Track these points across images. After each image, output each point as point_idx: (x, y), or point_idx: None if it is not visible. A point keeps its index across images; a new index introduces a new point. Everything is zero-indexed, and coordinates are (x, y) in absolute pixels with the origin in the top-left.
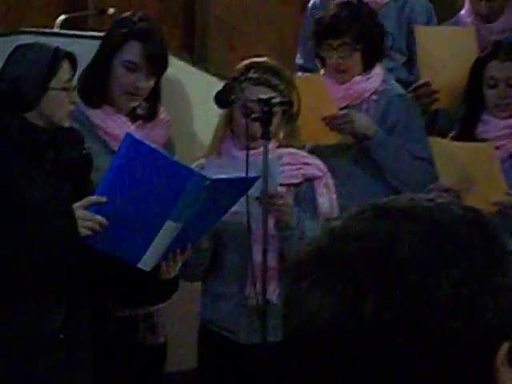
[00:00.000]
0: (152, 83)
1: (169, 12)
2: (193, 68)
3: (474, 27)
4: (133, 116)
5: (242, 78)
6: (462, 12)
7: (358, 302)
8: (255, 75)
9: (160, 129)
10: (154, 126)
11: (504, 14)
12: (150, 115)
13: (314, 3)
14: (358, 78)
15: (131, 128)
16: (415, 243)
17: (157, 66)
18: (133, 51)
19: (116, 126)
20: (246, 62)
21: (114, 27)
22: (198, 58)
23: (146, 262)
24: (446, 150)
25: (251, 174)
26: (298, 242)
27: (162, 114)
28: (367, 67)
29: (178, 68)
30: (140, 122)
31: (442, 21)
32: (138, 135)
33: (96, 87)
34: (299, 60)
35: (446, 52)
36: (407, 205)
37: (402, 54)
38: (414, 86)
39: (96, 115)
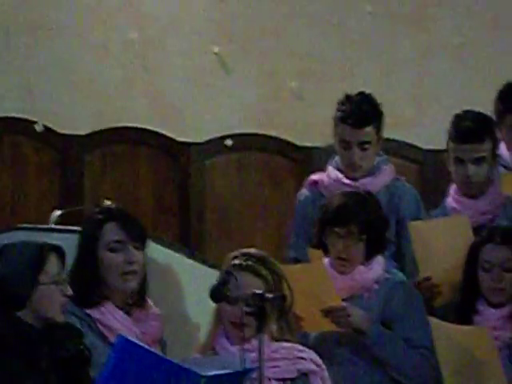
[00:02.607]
0: (141, 256)
1: (164, 203)
2: (189, 260)
3: (466, 214)
4: (127, 309)
5: (231, 266)
6: (449, 197)
7: None
8: (242, 262)
9: (154, 323)
10: (148, 320)
11: (488, 193)
12: (140, 300)
13: (306, 197)
14: (361, 268)
15: (129, 321)
16: None
17: (138, 239)
18: (112, 231)
19: (115, 320)
20: (234, 252)
21: (89, 218)
22: (194, 249)
23: None
24: (443, 331)
25: (247, 366)
26: None
27: (154, 309)
28: (369, 257)
29: (174, 260)
30: (134, 312)
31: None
32: (135, 329)
33: (89, 287)
34: (291, 253)
35: (442, 244)
36: None
37: (390, 244)
38: (415, 281)
39: (95, 310)
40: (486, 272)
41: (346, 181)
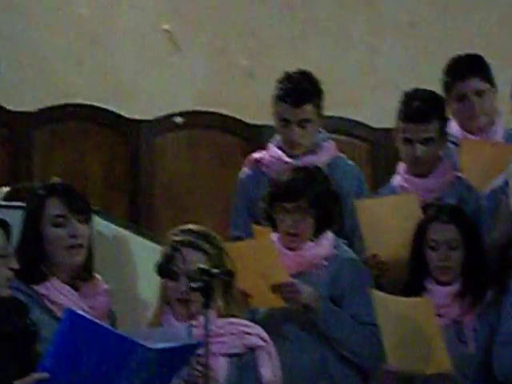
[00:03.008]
0: (86, 229)
1: (114, 180)
2: (138, 236)
3: (414, 191)
4: (75, 284)
5: (173, 242)
6: (397, 175)
7: None
8: (184, 238)
9: (102, 298)
10: (96, 295)
11: (436, 171)
12: (87, 275)
13: (247, 176)
14: (310, 244)
15: (76, 296)
16: None
17: (81, 213)
18: (55, 206)
19: (61, 295)
20: (175, 229)
21: (32, 194)
22: (143, 227)
23: None
24: (385, 303)
25: (194, 341)
26: None
27: (102, 284)
28: (318, 232)
29: (122, 236)
30: (82, 287)
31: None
32: (82, 304)
33: (34, 263)
34: (233, 232)
35: (390, 222)
36: None
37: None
38: (362, 259)
39: (41, 286)
40: (433, 250)
41: (287, 159)
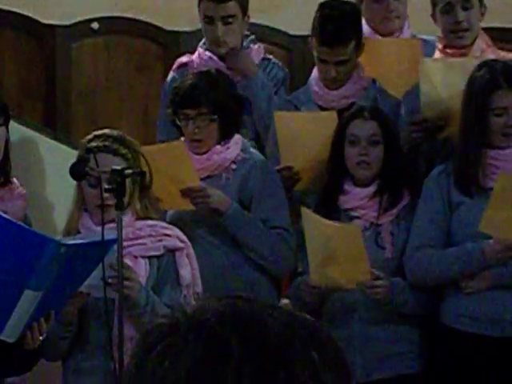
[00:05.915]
0: (3, 133)
1: (29, 86)
2: (54, 142)
3: (327, 97)
4: None
5: (89, 147)
6: (310, 80)
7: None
8: (99, 143)
9: (17, 202)
10: (12, 199)
11: (349, 82)
12: (3, 178)
13: (172, 77)
14: (218, 148)
15: None
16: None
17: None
18: None
19: None
20: (89, 136)
21: None
22: (60, 132)
23: (9, 334)
24: (314, 223)
25: (108, 237)
26: (150, 319)
27: (19, 189)
28: (225, 137)
29: (39, 142)
30: None
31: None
32: None
33: None
34: (159, 136)
35: (306, 136)
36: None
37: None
38: (275, 169)
39: None
40: (353, 146)
41: (220, 63)
